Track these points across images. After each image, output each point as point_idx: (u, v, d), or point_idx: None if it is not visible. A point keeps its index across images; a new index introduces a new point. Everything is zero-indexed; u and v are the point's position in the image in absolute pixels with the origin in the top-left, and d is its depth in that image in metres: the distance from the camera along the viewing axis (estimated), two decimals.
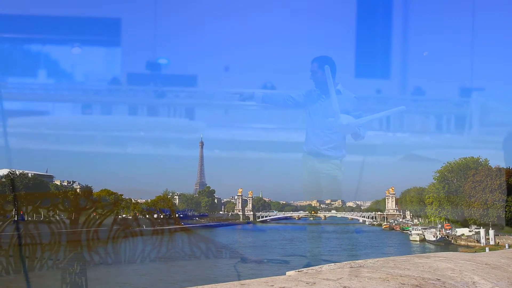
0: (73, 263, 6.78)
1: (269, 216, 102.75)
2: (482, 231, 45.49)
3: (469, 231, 50.40)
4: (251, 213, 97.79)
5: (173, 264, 11.26)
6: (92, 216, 12.43)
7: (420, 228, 63.55)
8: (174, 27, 28.34)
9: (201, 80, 24.61)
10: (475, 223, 50.12)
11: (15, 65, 25.34)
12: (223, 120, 24.14)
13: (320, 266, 5.60)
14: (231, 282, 4.10)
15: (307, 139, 7.10)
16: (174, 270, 10.19)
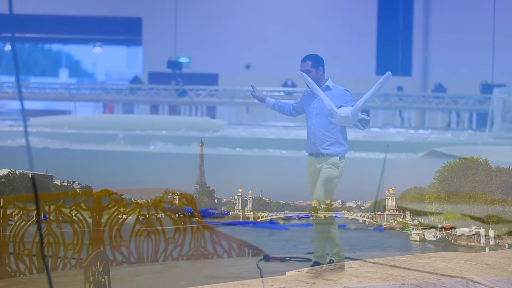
0: (96, 262, 6.78)
1: (269, 216, 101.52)
2: (482, 231, 44.55)
3: (469, 231, 49.58)
4: (251, 213, 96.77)
5: (195, 263, 11.28)
6: (114, 215, 12.47)
7: (420, 228, 62.63)
8: (195, 26, 28.58)
9: (222, 78, 24.60)
10: (475, 223, 49.15)
11: (37, 65, 25.63)
12: (244, 119, 24.14)
13: (320, 266, 5.60)
14: (231, 282, 4.13)
15: (307, 141, 7.07)
16: (195, 269, 10.22)
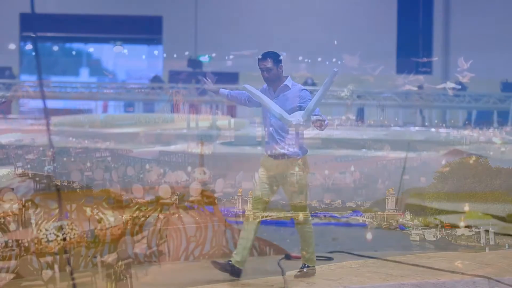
0: (118, 260, 6.84)
1: (269, 216, 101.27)
2: (482, 231, 43.85)
3: (469, 231, 48.92)
4: (251, 213, 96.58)
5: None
6: (136, 214, 12.48)
7: (420, 228, 61.77)
8: (215, 24, 28.72)
9: (242, 77, 24.65)
10: (475, 223, 48.36)
11: (57, 64, 25.85)
12: None
13: (320, 266, 5.61)
14: (230, 282, 4.16)
15: (266, 141, 6.93)
16: (215, 269, 10.25)
